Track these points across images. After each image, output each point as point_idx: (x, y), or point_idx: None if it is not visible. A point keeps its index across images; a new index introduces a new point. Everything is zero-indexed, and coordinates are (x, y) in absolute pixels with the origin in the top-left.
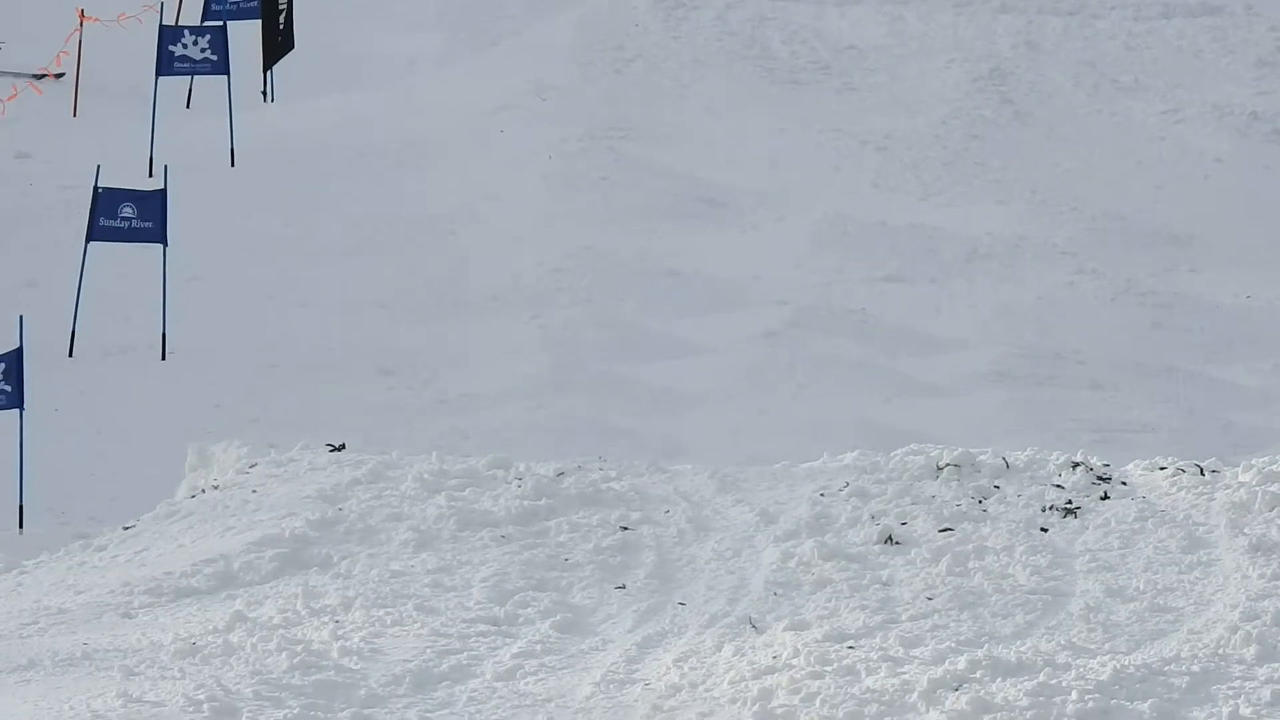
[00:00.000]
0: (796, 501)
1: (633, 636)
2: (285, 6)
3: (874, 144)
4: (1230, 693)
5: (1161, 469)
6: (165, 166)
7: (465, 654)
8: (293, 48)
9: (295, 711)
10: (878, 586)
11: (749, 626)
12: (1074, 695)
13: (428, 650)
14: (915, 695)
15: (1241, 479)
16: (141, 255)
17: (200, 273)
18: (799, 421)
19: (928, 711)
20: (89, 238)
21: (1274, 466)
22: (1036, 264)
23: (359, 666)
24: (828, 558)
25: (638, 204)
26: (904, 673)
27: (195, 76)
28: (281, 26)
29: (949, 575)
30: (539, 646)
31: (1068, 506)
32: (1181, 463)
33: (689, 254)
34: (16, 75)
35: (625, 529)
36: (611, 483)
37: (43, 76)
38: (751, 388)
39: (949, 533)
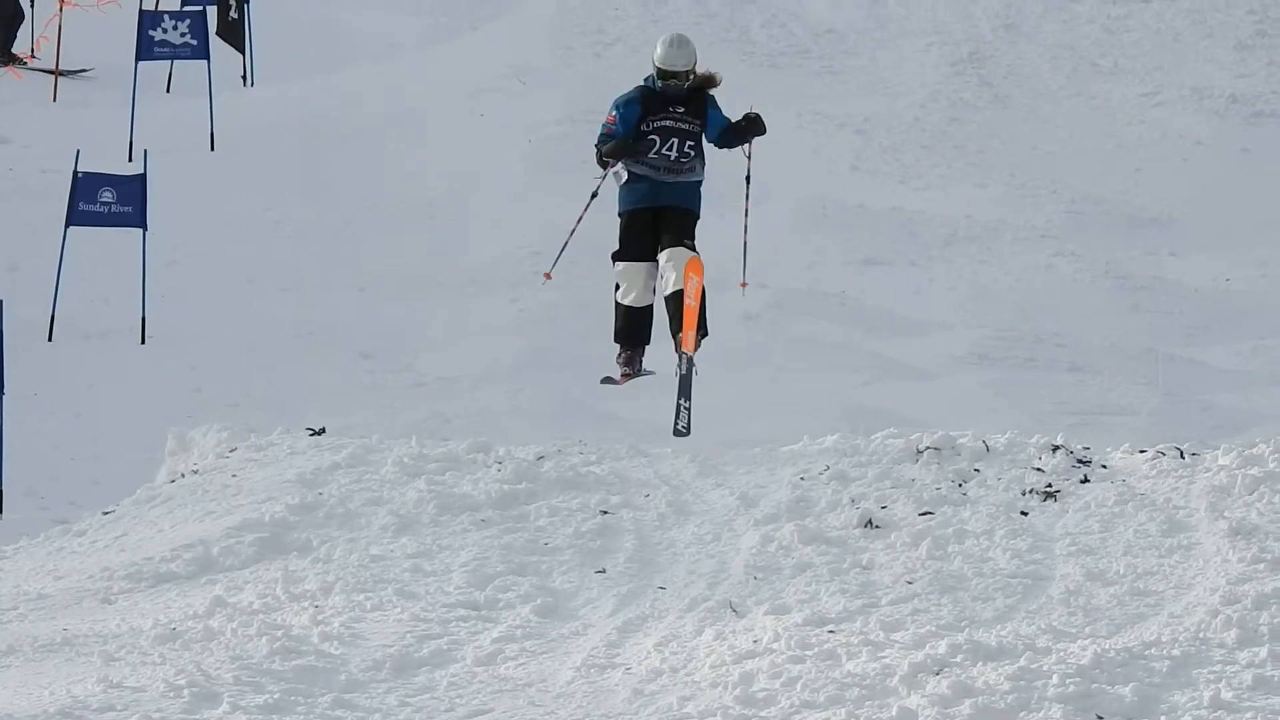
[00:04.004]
0: (776, 485)
1: (613, 621)
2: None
3: (853, 127)
4: (1211, 676)
5: (1141, 452)
6: (145, 151)
7: (445, 639)
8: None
9: (275, 697)
10: (858, 570)
11: (729, 610)
12: (1054, 679)
13: (408, 635)
14: (896, 679)
15: (1221, 462)
16: (121, 239)
17: (180, 256)
18: (779, 404)
19: (908, 695)
20: (69, 222)
21: (1254, 449)
22: (1016, 247)
23: (339, 651)
24: (808, 541)
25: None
26: (884, 657)
27: (175, 61)
28: (234, 9)
29: (929, 559)
30: (519, 631)
31: (1048, 490)
32: (1161, 445)
33: None
34: (50, 72)
35: (605, 513)
36: (591, 466)
37: (79, 72)
38: (731, 370)
39: (929, 516)
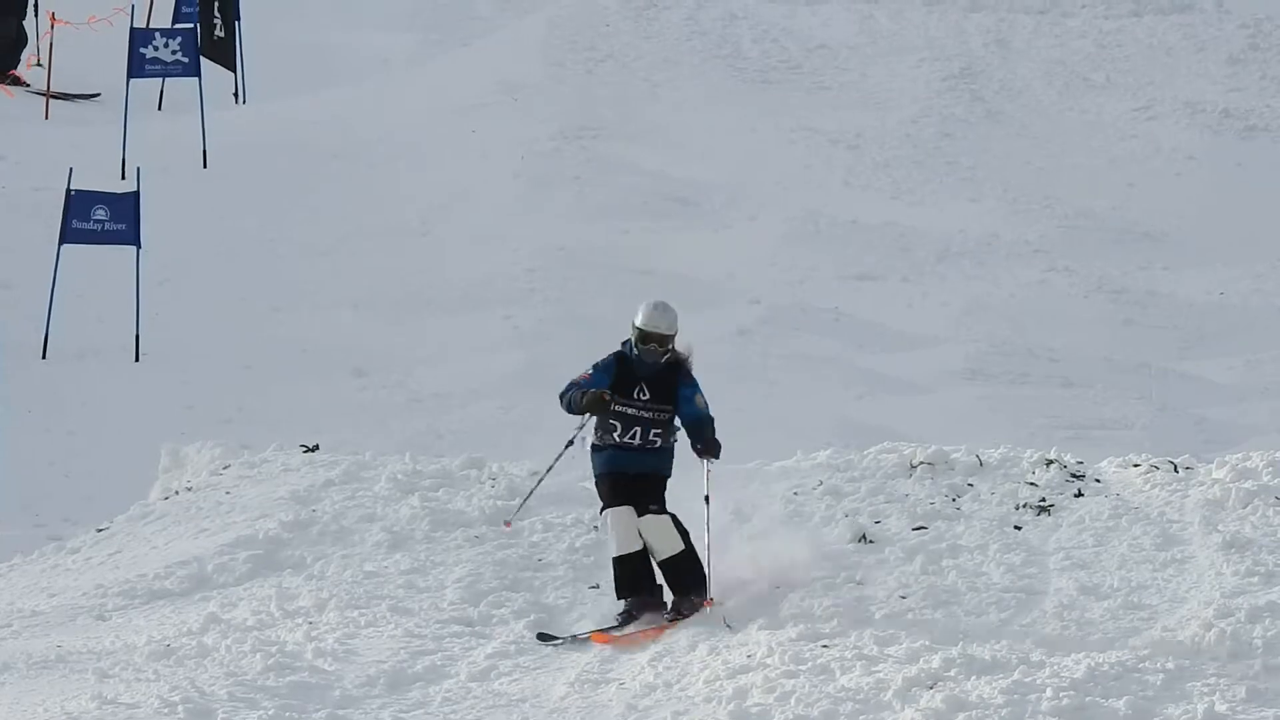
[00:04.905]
0: (770, 500)
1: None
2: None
3: (845, 142)
4: (1205, 690)
5: (1135, 466)
6: (138, 168)
7: (439, 654)
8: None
9: (270, 713)
10: (852, 585)
11: (724, 625)
12: (1048, 693)
13: (402, 651)
14: (890, 694)
15: (1215, 475)
16: (114, 257)
17: (173, 274)
18: (772, 419)
19: (903, 710)
20: (62, 240)
21: (1247, 463)
22: (1009, 261)
23: (333, 668)
24: (802, 556)
25: (610, 203)
26: (878, 671)
27: (166, 78)
28: (219, 28)
29: (923, 574)
30: (513, 647)
31: (1041, 504)
32: (1155, 459)
33: (661, 252)
34: (55, 96)
35: (598, 529)
36: (584, 482)
37: (85, 96)
38: (725, 386)
39: (923, 531)
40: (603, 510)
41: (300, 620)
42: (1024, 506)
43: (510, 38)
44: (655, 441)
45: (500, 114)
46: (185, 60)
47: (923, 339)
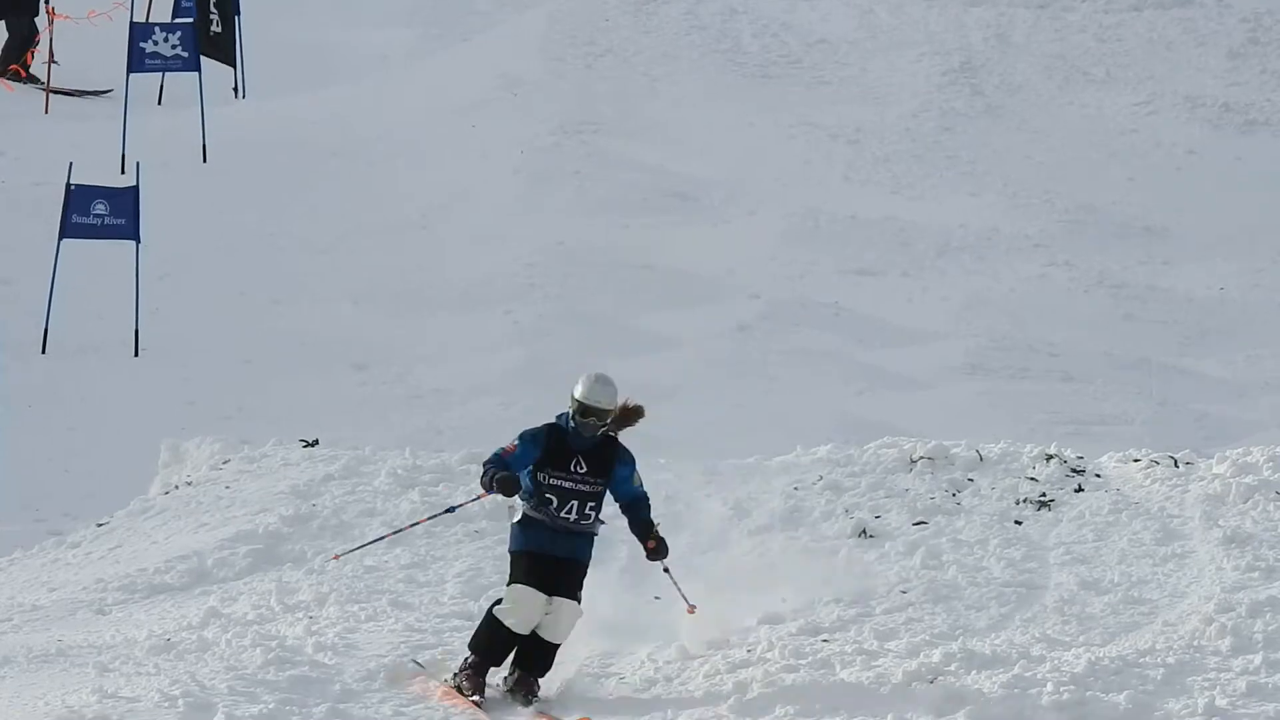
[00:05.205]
0: (770, 495)
1: (608, 630)
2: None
3: (845, 137)
4: (1205, 684)
5: (1135, 461)
6: (137, 163)
7: (440, 649)
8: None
9: (270, 707)
10: (852, 580)
11: (723, 620)
12: (1049, 687)
13: (402, 645)
14: (890, 688)
15: (1215, 471)
16: (114, 252)
17: (173, 269)
18: (772, 415)
19: (903, 704)
20: (62, 235)
21: (1247, 458)
22: (1009, 256)
23: (333, 662)
24: (802, 551)
25: (610, 198)
26: (878, 665)
27: (166, 73)
28: (215, 24)
29: (923, 568)
30: None
31: (1041, 499)
32: (1155, 454)
33: (661, 248)
34: (69, 93)
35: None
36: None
37: (96, 93)
38: (725, 381)
39: (923, 526)
40: (511, 583)
41: (300, 614)
42: (1024, 501)
43: (510, 33)
44: (589, 516)
45: (500, 110)
46: (185, 55)
47: (923, 334)
